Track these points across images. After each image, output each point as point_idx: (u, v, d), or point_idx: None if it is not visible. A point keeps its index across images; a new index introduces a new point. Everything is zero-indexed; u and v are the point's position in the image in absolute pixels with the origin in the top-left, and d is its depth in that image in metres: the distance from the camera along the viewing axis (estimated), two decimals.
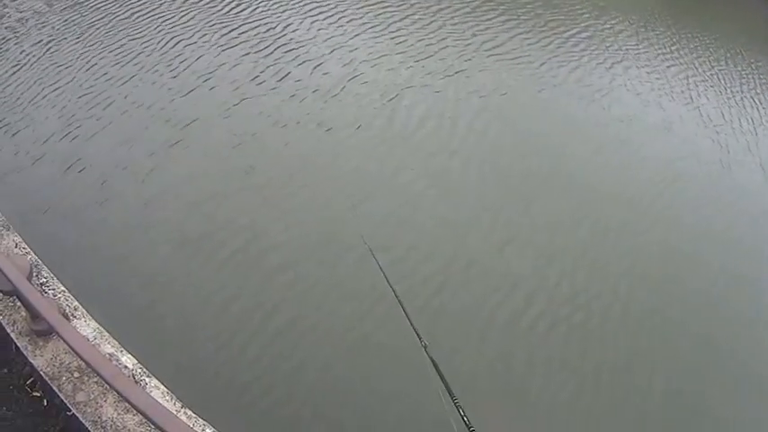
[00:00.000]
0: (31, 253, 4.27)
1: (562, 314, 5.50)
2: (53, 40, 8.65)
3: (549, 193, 6.84)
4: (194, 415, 3.44)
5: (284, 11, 9.46)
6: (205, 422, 3.42)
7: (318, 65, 8.34)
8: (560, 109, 8.42)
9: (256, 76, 7.93)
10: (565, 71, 9.23)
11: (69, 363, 3.69)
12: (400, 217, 6.19)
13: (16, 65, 8.08)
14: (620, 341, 5.41)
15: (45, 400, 3.77)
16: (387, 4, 10.10)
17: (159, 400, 3.35)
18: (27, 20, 9.02)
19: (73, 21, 9.00)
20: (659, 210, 7.03)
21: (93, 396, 3.53)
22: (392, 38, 9.24)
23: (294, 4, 9.69)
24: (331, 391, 4.57)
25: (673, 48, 10.87)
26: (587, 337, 5.36)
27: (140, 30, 8.76)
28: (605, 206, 6.86)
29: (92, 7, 9.29)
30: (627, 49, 10.36)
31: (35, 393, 3.81)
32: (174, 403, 3.50)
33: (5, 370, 3.93)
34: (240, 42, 8.61)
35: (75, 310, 3.99)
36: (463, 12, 10.29)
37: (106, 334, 3.86)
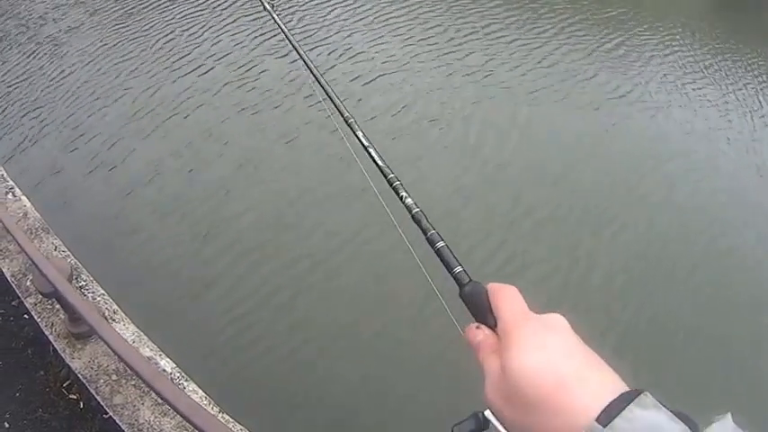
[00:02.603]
0: (71, 256, 4.28)
1: None
2: (98, 46, 8.97)
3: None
4: (232, 420, 3.38)
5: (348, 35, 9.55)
6: (243, 427, 3.36)
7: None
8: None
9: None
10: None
11: (107, 365, 3.66)
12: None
13: (61, 71, 8.37)
14: None
15: (81, 403, 3.75)
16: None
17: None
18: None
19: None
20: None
21: (130, 399, 3.48)
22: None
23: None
24: (372, 399, 4.48)
25: None
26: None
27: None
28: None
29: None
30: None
31: (72, 396, 3.78)
32: (212, 408, 3.44)
33: (42, 372, 3.92)
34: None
35: (115, 313, 3.97)
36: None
37: (145, 338, 3.83)
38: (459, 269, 0.87)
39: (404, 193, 1.05)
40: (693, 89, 9.30)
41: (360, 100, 7.87)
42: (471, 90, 8.34)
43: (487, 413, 0.73)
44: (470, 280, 0.84)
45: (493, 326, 0.76)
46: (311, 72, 1.72)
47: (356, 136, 1.31)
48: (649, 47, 10.38)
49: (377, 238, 5.56)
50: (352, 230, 5.81)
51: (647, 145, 7.77)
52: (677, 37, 10.96)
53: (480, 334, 0.76)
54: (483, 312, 0.78)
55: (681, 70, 9.81)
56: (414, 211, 1.01)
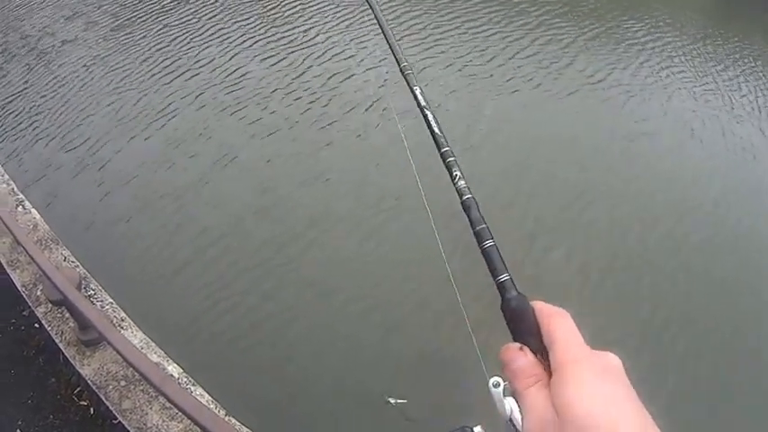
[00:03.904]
0: (80, 266, 4.37)
1: None
2: (95, 62, 9.13)
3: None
4: (239, 423, 3.44)
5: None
6: (249, 429, 3.42)
7: None
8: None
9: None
10: None
11: (116, 372, 3.74)
12: None
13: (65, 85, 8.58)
14: None
15: (92, 409, 3.82)
16: None
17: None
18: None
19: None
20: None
21: (138, 404, 3.56)
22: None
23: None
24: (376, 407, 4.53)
25: None
26: None
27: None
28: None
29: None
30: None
31: (82, 402, 3.86)
32: (219, 411, 3.51)
33: (53, 379, 4.00)
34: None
35: (123, 320, 4.05)
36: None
37: (153, 344, 3.91)
38: (506, 277, 0.76)
39: (457, 173, 0.94)
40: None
41: None
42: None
43: (477, 429, 0.73)
44: (518, 293, 0.74)
45: (538, 351, 0.69)
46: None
47: (412, 91, 1.19)
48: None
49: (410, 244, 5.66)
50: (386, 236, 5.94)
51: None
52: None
53: (522, 358, 0.69)
54: (527, 333, 0.70)
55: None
56: (465, 198, 0.89)
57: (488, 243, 0.80)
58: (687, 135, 8.07)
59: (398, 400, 4.05)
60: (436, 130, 1.04)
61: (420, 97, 1.12)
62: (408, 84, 1.22)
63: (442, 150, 0.99)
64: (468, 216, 0.85)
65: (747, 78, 9.78)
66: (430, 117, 1.08)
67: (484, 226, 0.83)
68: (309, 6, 10.69)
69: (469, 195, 0.89)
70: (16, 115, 8.02)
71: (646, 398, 0.61)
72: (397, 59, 1.31)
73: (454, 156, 0.96)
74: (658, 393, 4.45)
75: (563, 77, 9.00)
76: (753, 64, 10.29)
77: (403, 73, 1.29)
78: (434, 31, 10.02)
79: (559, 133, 7.72)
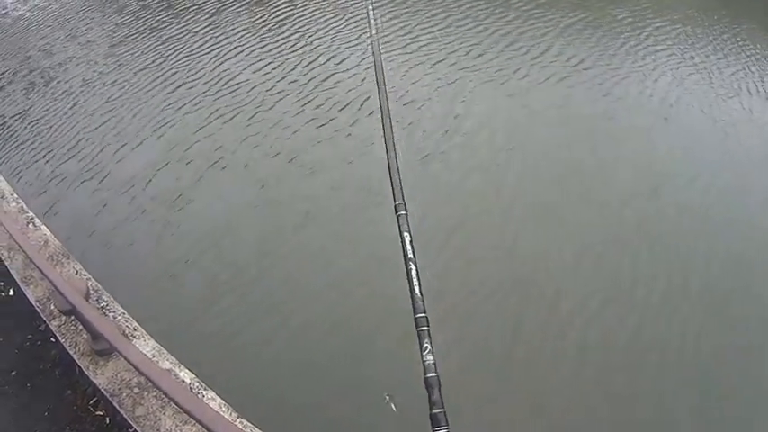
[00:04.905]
0: (91, 279, 4.41)
1: None
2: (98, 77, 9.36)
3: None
4: (250, 425, 3.44)
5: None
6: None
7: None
8: None
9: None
10: None
11: (129, 379, 3.76)
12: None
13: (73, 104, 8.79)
14: None
15: (107, 419, 3.85)
16: None
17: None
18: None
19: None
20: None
21: (152, 410, 3.57)
22: None
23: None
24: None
25: None
26: None
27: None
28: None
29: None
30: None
31: (98, 412, 3.89)
32: (231, 414, 3.52)
33: (69, 391, 4.04)
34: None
35: (135, 330, 4.08)
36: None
37: (165, 351, 3.92)
38: None
39: (428, 345, 0.88)
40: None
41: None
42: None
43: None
44: None
45: None
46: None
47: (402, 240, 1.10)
48: None
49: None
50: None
51: None
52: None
53: None
54: None
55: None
56: (429, 375, 0.85)
57: (442, 430, 0.75)
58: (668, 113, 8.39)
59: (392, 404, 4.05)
60: (417, 290, 1.00)
61: (408, 247, 1.14)
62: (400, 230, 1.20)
63: (417, 316, 0.95)
64: (429, 395, 0.84)
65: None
66: (413, 273, 1.04)
67: (442, 410, 0.80)
68: (298, 17, 11.04)
69: (434, 374, 0.86)
70: (23, 134, 8.24)
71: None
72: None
73: (428, 326, 0.91)
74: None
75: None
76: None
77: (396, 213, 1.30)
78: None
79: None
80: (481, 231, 6.18)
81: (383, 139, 1.40)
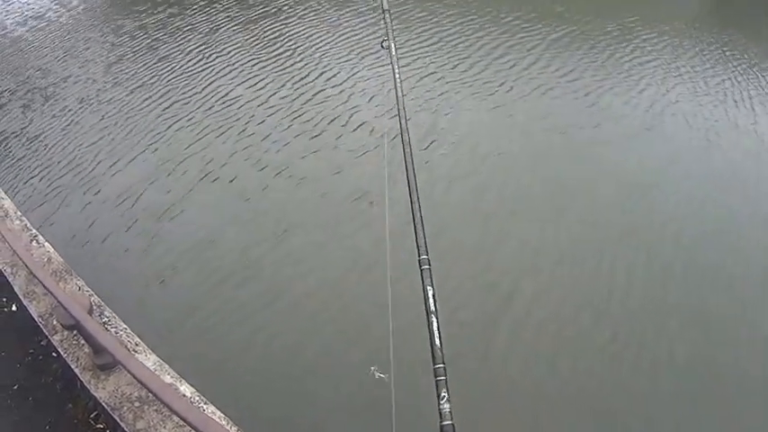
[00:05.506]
0: (94, 295, 4.50)
1: None
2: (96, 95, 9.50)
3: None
4: None
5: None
6: None
7: None
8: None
9: None
10: None
11: (130, 393, 3.83)
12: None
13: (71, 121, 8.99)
14: None
15: None
16: None
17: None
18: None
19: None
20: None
21: (152, 423, 3.64)
22: None
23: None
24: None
25: None
26: None
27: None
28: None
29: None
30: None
31: (99, 425, 3.95)
32: (231, 427, 3.59)
33: (70, 405, 4.10)
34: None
35: (137, 345, 4.16)
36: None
37: (166, 365, 4.00)
38: None
39: (445, 394, 0.92)
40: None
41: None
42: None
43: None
44: None
45: None
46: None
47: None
48: None
49: None
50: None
51: None
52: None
53: None
54: None
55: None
56: (445, 423, 0.89)
57: None
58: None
59: (380, 374, 4.05)
60: (437, 342, 1.09)
61: (431, 300, 1.22)
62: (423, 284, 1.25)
63: (436, 366, 1.04)
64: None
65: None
66: (434, 326, 1.15)
67: None
68: (288, 37, 11.37)
69: (450, 422, 0.91)
70: (21, 151, 8.37)
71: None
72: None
73: (446, 375, 0.99)
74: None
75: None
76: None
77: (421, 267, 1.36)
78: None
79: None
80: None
81: (408, 193, 1.46)
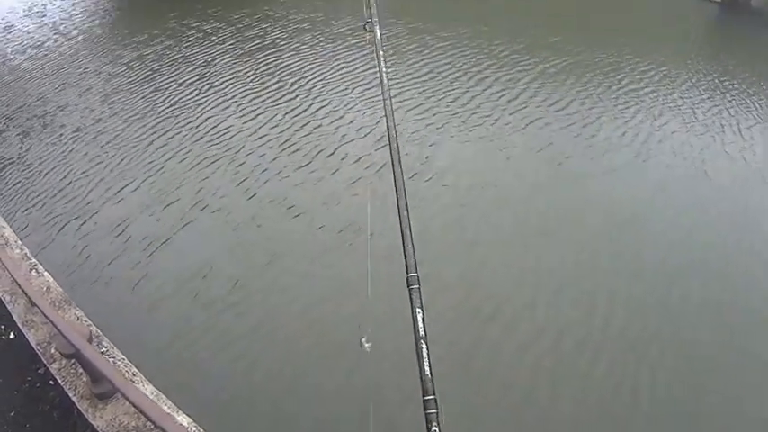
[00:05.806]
0: (93, 325, 4.57)
1: None
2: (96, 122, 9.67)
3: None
4: None
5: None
6: None
7: None
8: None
9: None
10: None
11: (128, 423, 3.89)
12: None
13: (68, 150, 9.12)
14: None
15: None
16: None
17: None
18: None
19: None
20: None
21: None
22: None
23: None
24: None
25: None
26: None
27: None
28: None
29: None
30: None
31: None
32: None
33: None
34: None
35: (134, 375, 4.22)
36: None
37: (163, 396, 4.07)
38: None
39: (435, 429, 0.86)
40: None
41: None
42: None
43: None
44: None
45: None
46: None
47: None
48: None
49: None
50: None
51: None
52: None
53: None
54: None
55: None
56: None
57: None
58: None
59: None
60: (427, 371, 1.02)
61: (420, 324, 1.13)
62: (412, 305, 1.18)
63: (426, 398, 0.97)
64: None
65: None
66: (424, 353, 1.07)
67: None
68: (281, 69, 11.58)
69: None
70: (23, 180, 8.47)
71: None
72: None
73: (437, 407, 0.92)
74: None
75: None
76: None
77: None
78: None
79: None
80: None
81: (397, 209, 1.50)
